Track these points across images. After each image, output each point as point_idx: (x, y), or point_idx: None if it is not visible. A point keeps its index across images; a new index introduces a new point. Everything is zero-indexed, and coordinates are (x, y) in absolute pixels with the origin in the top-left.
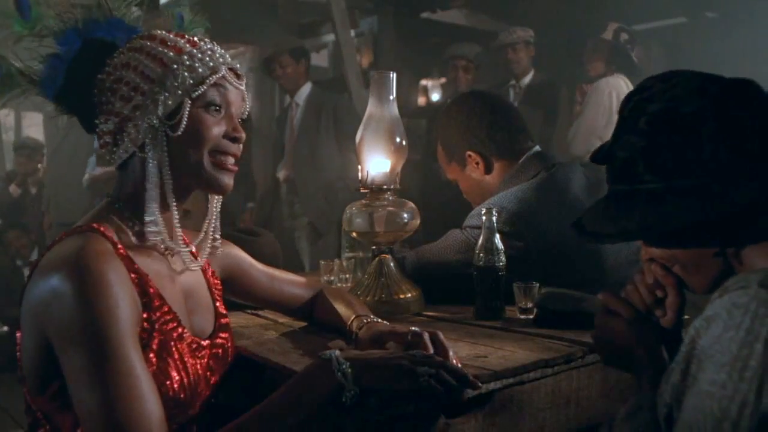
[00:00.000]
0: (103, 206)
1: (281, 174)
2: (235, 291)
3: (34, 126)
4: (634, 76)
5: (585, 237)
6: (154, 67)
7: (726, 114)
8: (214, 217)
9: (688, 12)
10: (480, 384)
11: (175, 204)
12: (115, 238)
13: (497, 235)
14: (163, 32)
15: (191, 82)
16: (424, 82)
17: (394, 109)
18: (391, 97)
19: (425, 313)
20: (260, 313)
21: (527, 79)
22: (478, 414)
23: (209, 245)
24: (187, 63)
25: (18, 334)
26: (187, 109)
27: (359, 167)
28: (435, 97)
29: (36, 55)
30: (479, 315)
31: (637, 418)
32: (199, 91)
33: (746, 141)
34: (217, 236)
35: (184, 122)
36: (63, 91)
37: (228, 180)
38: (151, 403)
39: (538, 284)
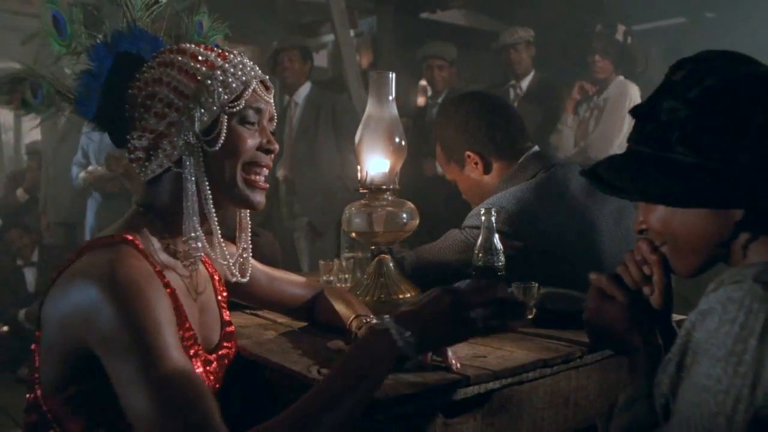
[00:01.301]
0: (134, 215)
1: (280, 174)
2: (236, 292)
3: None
4: (632, 77)
5: (599, 186)
6: (187, 83)
7: None
8: (244, 232)
9: (687, 12)
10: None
11: (215, 216)
12: (147, 251)
13: (496, 235)
14: (192, 46)
15: (226, 97)
16: (423, 82)
17: (393, 110)
18: (390, 98)
19: None
20: (259, 313)
21: (528, 80)
22: (477, 413)
23: (242, 261)
24: (221, 78)
25: (37, 334)
26: (225, 124)
27: (358, 167)
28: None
29: (72, 74)
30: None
31: (634, 407)
32: (235, 108)
33: None
34: (248, 253)
35: (222, 138)
36: (98, 109)
37: (260, 198)
38: (208, 399)
39: (537, 284)
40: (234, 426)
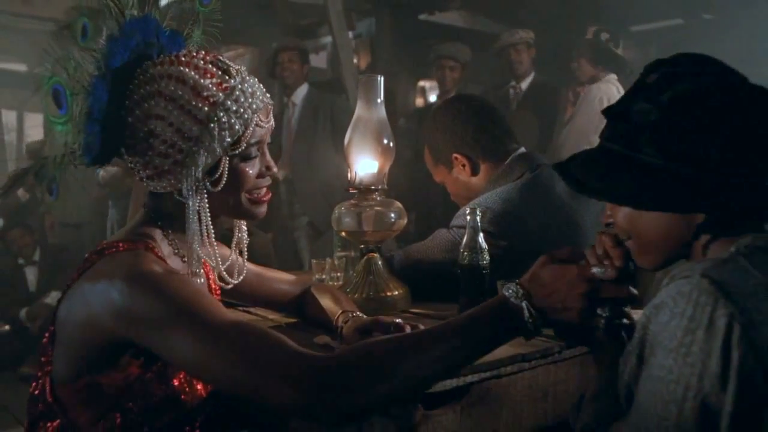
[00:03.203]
0: (145, 220)
1: (279, 174)
2: (228, 292)
3: (37, 127)
4: (624, 74)
5: (570, 183)
6: (190, 125)
7: (746, 119)
8: (237, 238)
9: (684, 13)
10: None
11: (213, 231)
12: (163, 256)
13: (481, 235)
14: (192, 72)
15: (229, 140)
16: (421, 83)
17: (382, 112)
18: (379, 100)
19: (411, 310)
20: (251, 310)
21: (528, 81)
22: (456, 406)
23: (237, 267)
24: (224, 119)
25: (51, 329)
26: (227, 166)
27: (348, 168)
28: (432, 98)
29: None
30: (463, 312)
31: (600, 399)
32: (238, 150)
33: (755, 150)
34: (244, 258)
35: (225, 179)
36: (101, 151)
37: (262, 209)
38: (274, 332)
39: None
40: (226, 420)
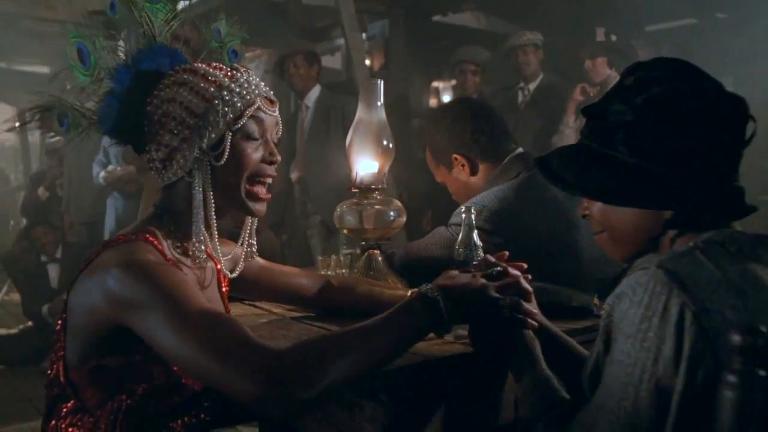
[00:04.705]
0: (151, 217)
1: (293, 175)
2: (241, 289)
3: None
4: None
5: (548, 177)
6: (197, 102)
7: (715, 123)
8: (248, 232)
9: (697, 13)
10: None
11: (215, 222)
12: (162, 248)
13: (476, 232)
14: (203, 66)
15: (231, 116)
16: (435, 84)
17: (382, 115)
18: (379, 103)
19: None
20: (257, 304)
21: (536, 83)
22: (448, 396)
23: (243, 258)
24: (227, 98)
25: (64, 315)
26: (229, 140)
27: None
28: (446, 98)
29: (95, 97)
30: None
31: (532, 394)
32: (239, 125)
33: (722, 152)
34: (253, 249)
35: (227, 153)
36: (117, 125)
37: (260, 207)
38: (241, 325)
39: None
40: (222, 410)
